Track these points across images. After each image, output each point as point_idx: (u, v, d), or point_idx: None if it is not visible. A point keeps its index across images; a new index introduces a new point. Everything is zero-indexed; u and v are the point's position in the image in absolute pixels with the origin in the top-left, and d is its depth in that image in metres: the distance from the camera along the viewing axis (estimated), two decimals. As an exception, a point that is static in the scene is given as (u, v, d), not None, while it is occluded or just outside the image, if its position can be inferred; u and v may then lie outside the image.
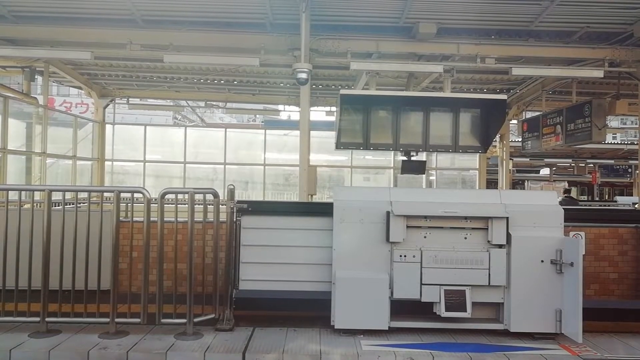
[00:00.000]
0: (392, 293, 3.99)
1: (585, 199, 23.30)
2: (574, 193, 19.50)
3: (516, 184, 22.01)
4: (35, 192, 4.67)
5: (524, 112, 13.26)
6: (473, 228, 4.06)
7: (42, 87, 10.94)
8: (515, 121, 14.52)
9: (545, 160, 21.29)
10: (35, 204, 4.64)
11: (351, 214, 4.12)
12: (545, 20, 7.50)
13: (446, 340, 3.90)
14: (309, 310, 4.29)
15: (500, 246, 4.01)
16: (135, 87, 12.72)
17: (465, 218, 4.05)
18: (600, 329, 4.18)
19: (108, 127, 13.29)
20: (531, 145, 11.37)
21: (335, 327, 3.99)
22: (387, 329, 3.96)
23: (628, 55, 8.11)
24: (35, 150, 10.24)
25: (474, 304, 3.97)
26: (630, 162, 21.69)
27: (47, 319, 3.85)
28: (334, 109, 12.65)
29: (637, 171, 20.89)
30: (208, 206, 4.42)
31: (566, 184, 22.19)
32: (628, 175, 23.10)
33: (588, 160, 21.68)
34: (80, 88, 12.81)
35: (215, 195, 4.12)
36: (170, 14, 7.81)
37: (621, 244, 5.14)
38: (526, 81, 11.10)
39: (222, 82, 12.09)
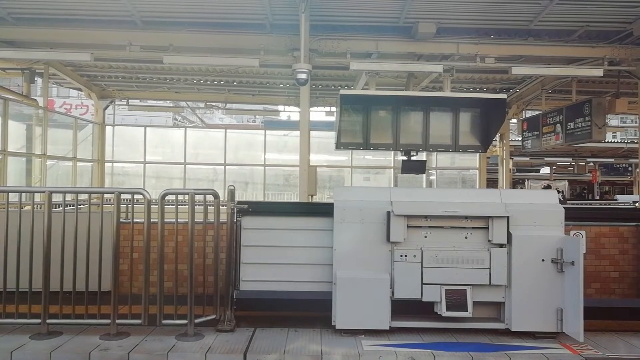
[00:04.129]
0: (393, 293, 3.99)
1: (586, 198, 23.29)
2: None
3: (516, 183, 22.03)
4: (35, 193, 4.70)
5: (523, 111, 13.27)
6: (474, 227, 4.06)
7: (42, 88, 10.94)
8: (515, 120, 14.52)
9: (546, 159, 21.32)
10: (35, 206, 4.65)
11: (352, 214, 4.12)
12: (545, 19, 7.50)
13: (447, 339, 3.90)
14: (310, 311, 4.29)
15: (501, 245, 4.01)
16: (135, 89, 12.72)
17: (466, 217, 4.05)
18: (601, 328, 4.19)
19: (108, 129, 13.29)
20: (531, 144, 11.37)
21: (337, 328, 3.99)
22: (388, 328, 3.96)
23: (627, 54, 8.11)
24: (36, 152, 10.24)
25: (475, 303, 3.97)
26: (630, 160, 21.71)
27: (48, 321, 3.85)
28: (333, 109, 12.66)
29: (637, 170, 20.90)
30: (208, 207, 4.41)
31: (566, 183, 22.20)
32: (628, 174, 23.11)
33: (588, 159, 21.70)
34: (80, 89, 12.81)
35: (216, 196, 4.12)
36: (169, 15, 7.81)
37: (622, 242, 5.14)
38: (526, 80, 11.09)
39: (222, 82, 12.09)
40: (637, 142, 14.77)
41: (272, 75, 10.99)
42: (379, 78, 8.79)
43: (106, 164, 13.15)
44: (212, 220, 4.16)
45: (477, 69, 9.26)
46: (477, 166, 13.59)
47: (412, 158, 7.45)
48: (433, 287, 3.97)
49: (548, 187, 14.93)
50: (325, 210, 4.29)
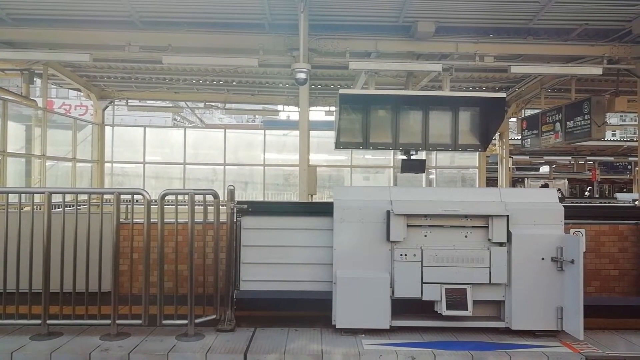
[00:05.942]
0: (393, 292, 3.99)
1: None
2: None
3: (516, 182, 22.04)
4: (35, 194, 4.70)
5: (523, 110, 13.27)
6: (473, 226, 4.06)
7: (41, 89, 10.93)
8: (514, 119, 14.52)
9: (545, 157, 21.34)
10: (35, 207, 4.64)
11: (351, 213, 4.12)
12: (544, 17, 7.50)
13: (447, 338, 3.90)
14: (310, 310, 4.29)
15: (501, 244, 4.01)
16: (134, 89, 12.71)
17: (466, 216, 4.05)
18: (601, 326, 4.18)
19: (107, 129, 13.28)
20: (531, 143, 11.38)
21: (337, 327, 3.99)
22: (388, 328, 3.96)
23: (627, 52, 8.11)
24: (35, 152, 10.22)
25: (475, 302, 3.97)
26: (630, 159, 21.72)
27: (48, 322, 3.85)
28: (333, 108, 12.65)
29: (637, 168, 20.92)
30: (208, 207, 4.41)
31: (566, 182, 22.21)
32: (628, 172, 23.13)
33: (588, 158, 21.72)
34: (79, 90, 12.79)
35: (215, 196, 4.12)
36: (168, 16, 7.81)
37: (622, 240, 5.14)
38: (525, 79, 11.09)
39: (221, 82, 12.08)
40: (636, 140, 14.77)
41: (272, 75, 10.99)
42: (378, 77, 8.79)
43: (106, 165, 13.14)
44: (212, 220, 4.16)
45: (477, 67, 9.26)
46: (477, 165, 13.59)
47: (412, 157, 7.45)
48: (433, 286, 3.97)
49: (545, 185, 14.94)
50: (325, 209, 4.29)
